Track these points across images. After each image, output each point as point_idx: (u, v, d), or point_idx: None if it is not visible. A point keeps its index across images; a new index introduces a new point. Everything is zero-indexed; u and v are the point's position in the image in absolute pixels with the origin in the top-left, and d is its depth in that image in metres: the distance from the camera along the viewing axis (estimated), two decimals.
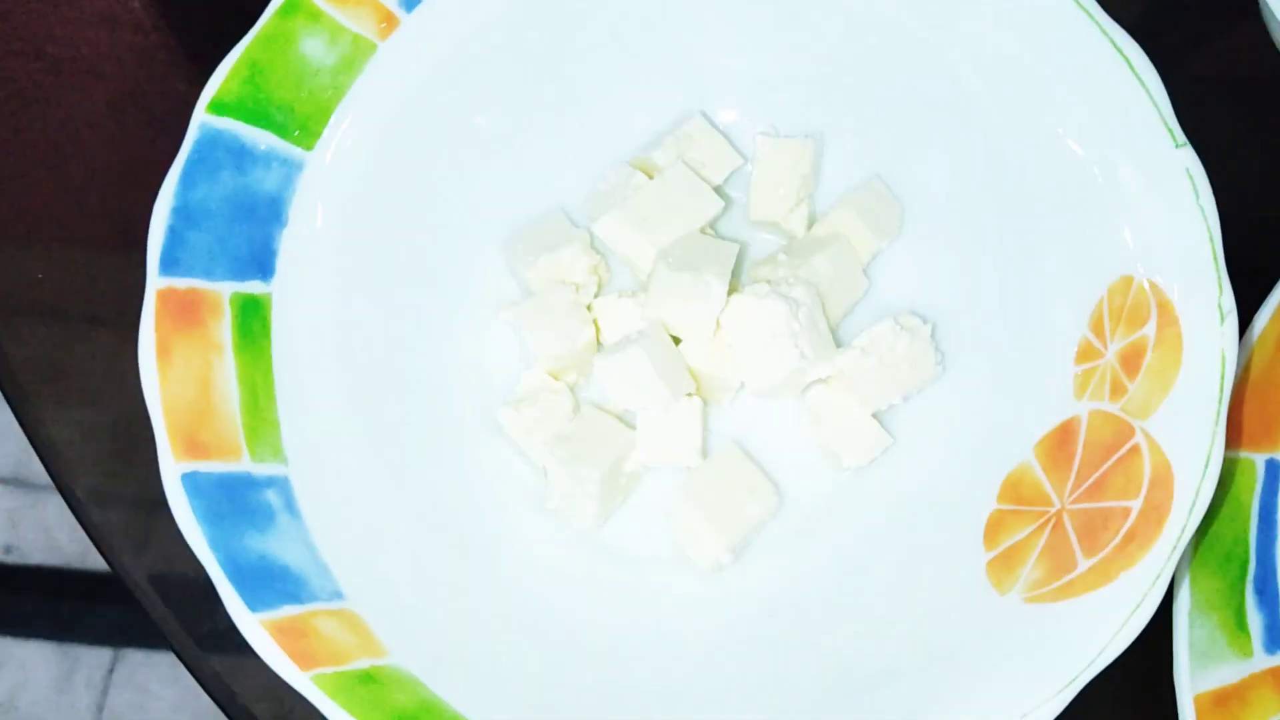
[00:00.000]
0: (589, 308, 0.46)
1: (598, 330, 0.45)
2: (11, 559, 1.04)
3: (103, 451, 0.47)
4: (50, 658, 1.01)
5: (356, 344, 0.44)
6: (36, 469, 1.01)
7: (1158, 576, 0.37)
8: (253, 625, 0.37)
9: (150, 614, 0.45)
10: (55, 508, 1.02)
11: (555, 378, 0.45)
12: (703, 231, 0.46)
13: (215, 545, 0.38)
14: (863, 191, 0.46)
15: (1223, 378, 0.39)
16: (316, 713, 0.37)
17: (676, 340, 0.45)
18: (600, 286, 0.47)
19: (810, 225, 0.47)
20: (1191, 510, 0.38)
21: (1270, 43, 0.45)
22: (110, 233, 0.49)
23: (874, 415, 0.45)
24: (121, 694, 1.00)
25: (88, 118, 0.51)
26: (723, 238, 0.47)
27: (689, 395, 0.44)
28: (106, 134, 0.51)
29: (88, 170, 0.50)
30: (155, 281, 0.40)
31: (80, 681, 1.01)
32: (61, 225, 0.50)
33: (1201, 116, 0.43)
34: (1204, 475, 0.38)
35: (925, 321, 0.45)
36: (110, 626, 1.01)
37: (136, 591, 0.45)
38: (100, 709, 1.00)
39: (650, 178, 0.46)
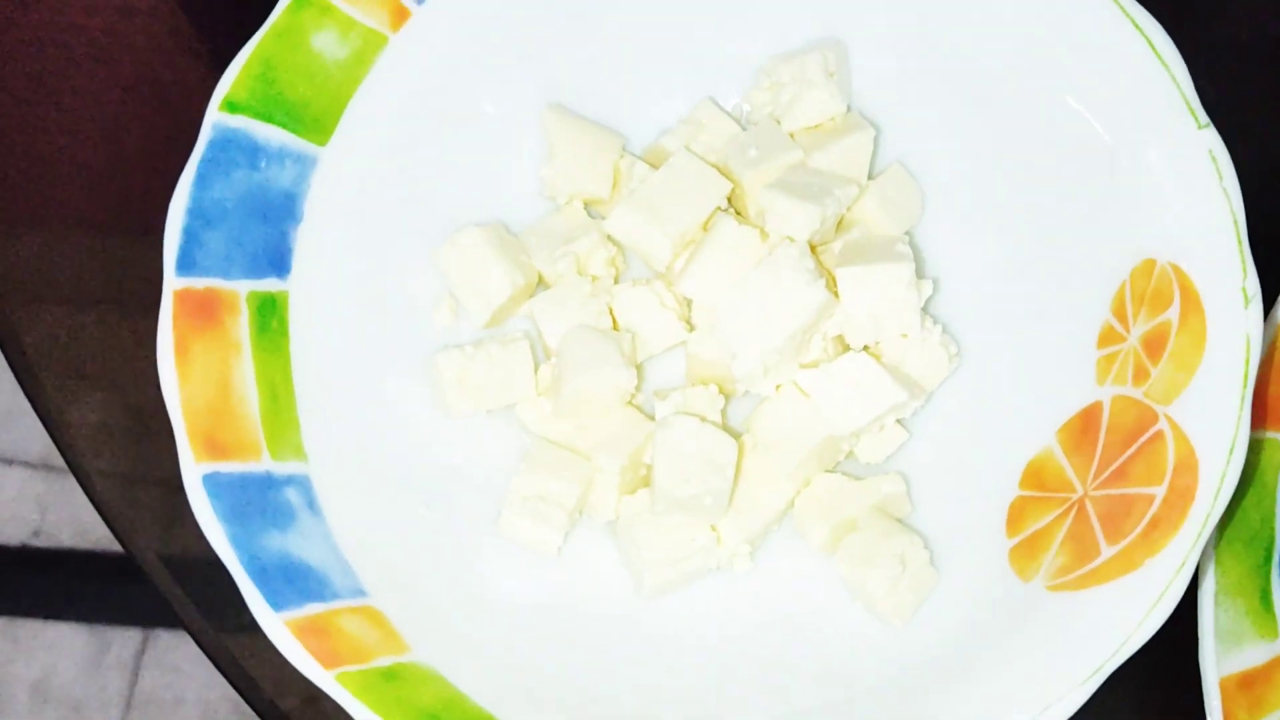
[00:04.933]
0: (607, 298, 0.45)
1: (614, 321, 0.45)
2: (40, 542, 1.05)
3: (117, 435, 0.47)
4: (81, 640, 1.02)
5: (376, 339, 0.44)
6: None
7: (1183, 564, 0.37)
8: (276, 625, 0.37)
9: (167, 598, 0.45)
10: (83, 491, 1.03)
11: None
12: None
13: (237, 545, 0.38)
14: (883, 178, 0.46)
15: (1247, 363, 0.39)
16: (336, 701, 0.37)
17: (691, 327, 0.44)
18: (618, 277, 0.46)
19: None
20: (1216, 497, 0.38)
21: None
22: (125, 220, 0.49)
23: None
24: (152, 674, 1.01)
25: (103, 105, 0.51)
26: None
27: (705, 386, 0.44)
28: (121, 122, 0.51)
29: (103, 158, 0.50)
30: (172, 282, 0.40)
31: (111, 662, 1.01)
32: (76, 212, 0.50)
33: (1226, 87, 0.42)
34: (1229, 462, 0.38)
35: (935, 321, 0.44)
36: (140, 607, 1.02)
37: (150, 572, 0.45)
38: (132, 689, 1.01)
39: (655, 168, 0.45)
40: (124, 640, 1.02)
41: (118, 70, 0.51)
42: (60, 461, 0.48)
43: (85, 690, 1.01)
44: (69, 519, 1.05)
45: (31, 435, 1.05)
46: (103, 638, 1.02)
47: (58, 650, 1.02)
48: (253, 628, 0.38)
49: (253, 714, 0.44)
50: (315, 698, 0.43)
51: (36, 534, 1.05)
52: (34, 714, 1.00)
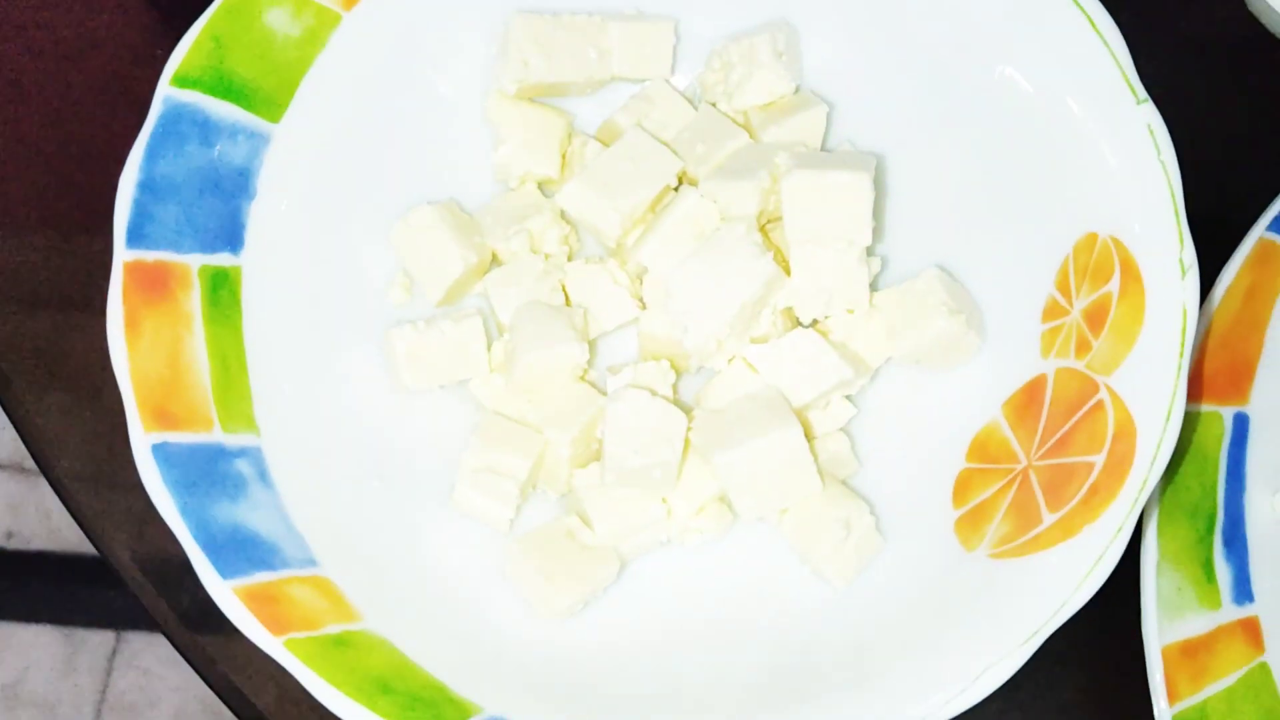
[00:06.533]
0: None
1: (567, 298, 0.45)
2: (13, 545, 1.05)
3: (87, 435, 0.47)
4: (53, 642, 1.02)
5: (329, 314, 0.44)
6: None
7: (1119, 529, 0.38)
8: (224, 592, 0.37)
9: (138, 596, 0.45)
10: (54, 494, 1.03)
11: None
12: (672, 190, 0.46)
13: (186, 514, 0.38)
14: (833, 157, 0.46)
15: (1184, 331, 0.39)
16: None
17: (643, 305, 0.45)
18: (571, 255, 0.47)
19: None
20: (1153, 463, 0.38)
21: (1244, 7, 0.45)
22: (96, 219, 0.49)
23: None
24: (124, 676, 1.01)
25: (70, 103, 0.51)
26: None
27: (657, 361, 0.44)
28: (89, 117, 0.51)
29: (73, 156, 0.50)
30: (122, 254, 0.40)
31: (83, 665, 1.01)
32: (47, 212, 0.50)
33: (1175, 78, 0.43)
34: (1165, 427, 0.38)
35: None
36: (112, 610, 1.02)
37: (123, 573, 0.45)
38: (104, 691, 1.01)
39: (607, 144, 0.46)
40: (96, 642, 1.02)
41: (86, 68, 0.51)
42: (32, 463, 0.48)
43: (58, 692, 1.01)
44: (41, 521, 1.05)
45: (3, 437, 1.05)
46: (75, 640, 1.02)
47: (30, 653, 1.01)
48: (227, 629, 0.38)
49: (226, 714, 0.44)
50: (290, 698, 0.43)
51: (9, 536, 1.05)
52: (7, 716, 1.00)
